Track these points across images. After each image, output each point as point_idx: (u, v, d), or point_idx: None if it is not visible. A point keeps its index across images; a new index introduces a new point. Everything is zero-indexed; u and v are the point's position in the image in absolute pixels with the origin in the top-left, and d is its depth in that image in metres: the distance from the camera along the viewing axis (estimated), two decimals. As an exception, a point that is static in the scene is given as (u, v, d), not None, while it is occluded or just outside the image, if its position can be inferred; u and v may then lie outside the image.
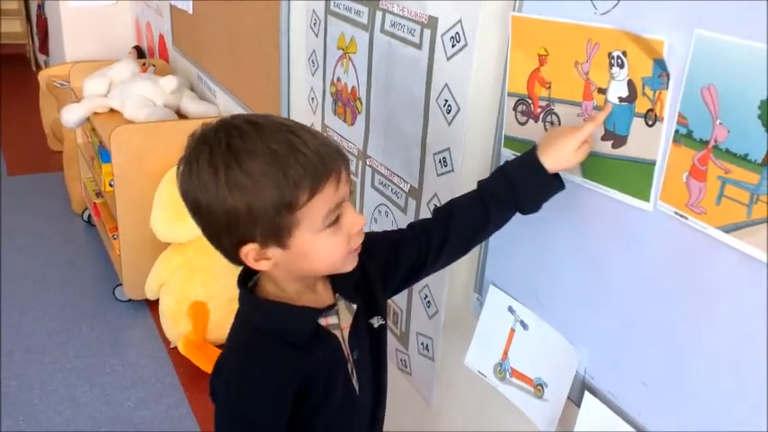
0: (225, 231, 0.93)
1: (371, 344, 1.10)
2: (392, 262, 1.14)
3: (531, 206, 1.12)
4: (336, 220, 0.94)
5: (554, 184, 1.09)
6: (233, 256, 0.97)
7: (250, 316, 1.02)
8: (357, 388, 1.07)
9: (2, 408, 2.40)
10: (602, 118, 1.02)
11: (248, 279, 1.04)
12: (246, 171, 0.88)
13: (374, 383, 1.13)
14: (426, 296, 1.59)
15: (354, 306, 1.07)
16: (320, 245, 0.94)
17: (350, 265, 0.99)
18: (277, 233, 0.92)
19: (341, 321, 1.04)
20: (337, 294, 1.05)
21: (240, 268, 1.03)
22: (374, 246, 1.11)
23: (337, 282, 1.04)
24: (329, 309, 1.03)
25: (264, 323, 1.00)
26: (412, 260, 1.15)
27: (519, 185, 1.10)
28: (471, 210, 1.14)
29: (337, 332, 1.04)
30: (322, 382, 1.02)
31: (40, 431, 2.32)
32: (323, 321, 1.02)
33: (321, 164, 0.90)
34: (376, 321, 1.10)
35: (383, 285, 1.14)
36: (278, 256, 0.95)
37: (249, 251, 0.94)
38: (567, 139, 1.04)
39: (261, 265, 0.96)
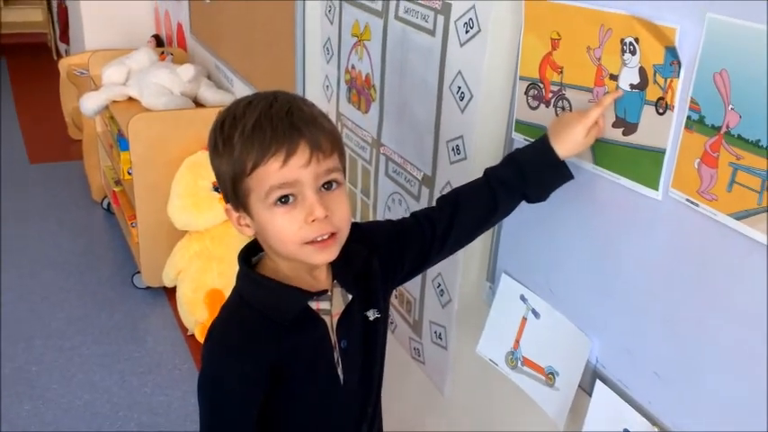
0: (220, 187, 1.02)
1: (365, 337, 1.10)
2: (396, 253, 1.13)
3: (539, 194, 1.12)
4: (291, 203, 0.94)
5: (564, 172, 1.08)
6: None
7: (242, 288, 1.04)
8: (342, 378, 1.06)
9: (23, 392, 2.44)
10: (608, 101, 1.01)
11: (253, 255, 1.07)
12: (224, 134, 0.95)
13: (364, 377, 1.12)
14: (439, 285, 1.59)
15: (350, 296, 1.07)
16: (272, 221, 0.95)
17: (313, 257, 0.97)
18: (237, 197, 0.97)
19: (332, 308, 1.04)
20: (335, 281, 1.05)
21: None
22: (376, 237, 1.12)
23: (338, 270, 1.04)
24: (322, 293, 1.03)
25: (253, 297, 1.02)
26: (416, 250, 1.14)
27: (529, 173, 1.09)
28: (478, 198, 1.13)
29: (327, 318, 1.04)
30: (303, 363, 1.03)
31: (60, 415, 2.36)
32: (314, 305, 1.03)
33: (271, 137, 0.91)
34: (372, 314, 1.09)
35: (388, 276, 1.14)
36: (253, 226, 0.99)
37: (229, 209, 1.01)
38: (576, 124, 1.03)
39: (243, 230, 1.01)
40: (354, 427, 1.14)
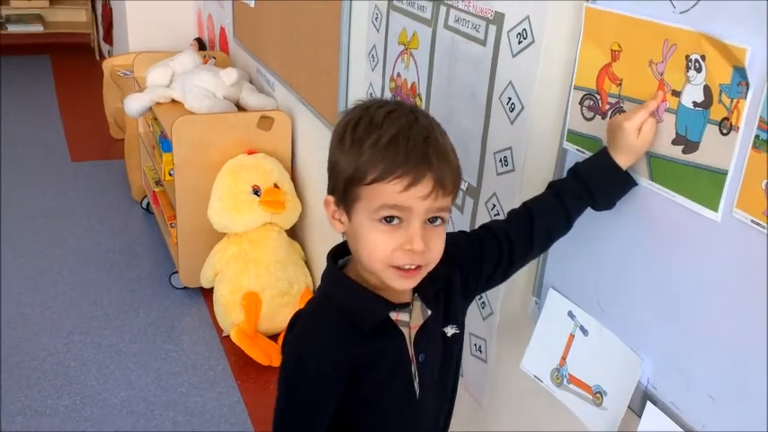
0: (328, 177, 1.01)
1: (443, 352, 1.10)
2: (475, 267, 1.14)
3: (606, 204, 1.12)
4: (395, 224, 0.94)
5: (628, 180, 1.09)
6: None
7: (328, 288, 1.05)
8: (418, 392, 1.06)
9: (61, 387, 2.48)
10: (653, 105, 1.02)
11: (339, 257, 1.07)
12: (355, 135, 0.94)
13: (438, 391, 1.12)
14: (481, 297, 1.57)
15: (429, 311, 1.07)
16: (368, 233, 0.95)
17: (394, 281, 0.97)
18: (345, 197, 0.96)
19: (411, 320, 1.04)
20: (415, 294, 1.05)
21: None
22: (457, 251, 1.11)
23: (420, 284, 1.03)
24: (404, 305, 1.03)
25: (338, 298, 1.02)
26: (493, 264, 1.15)
27: (595, 185, 1.10)
28: (554, 214, 1.14)
29: (405, 330, 1.04)
30: (381, 373, 1.02)
31: (97, 411, 2.38)
32: (393, 315, 1.03)
33: (402, 160, 0.91)
34: (450, 330, 1.10)
35: (467, 291, 1.14)
36: (346, 225, 0.99)
37: (329, 201, 1.01)
38: (624, 129, 1.04)
39: (335, 225, 1.01)
40: None
